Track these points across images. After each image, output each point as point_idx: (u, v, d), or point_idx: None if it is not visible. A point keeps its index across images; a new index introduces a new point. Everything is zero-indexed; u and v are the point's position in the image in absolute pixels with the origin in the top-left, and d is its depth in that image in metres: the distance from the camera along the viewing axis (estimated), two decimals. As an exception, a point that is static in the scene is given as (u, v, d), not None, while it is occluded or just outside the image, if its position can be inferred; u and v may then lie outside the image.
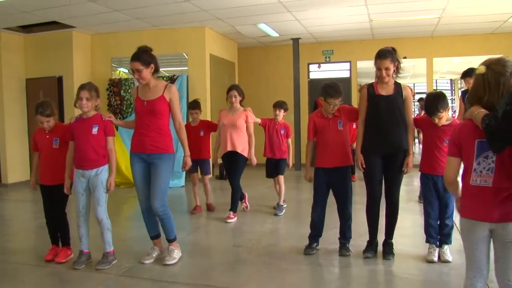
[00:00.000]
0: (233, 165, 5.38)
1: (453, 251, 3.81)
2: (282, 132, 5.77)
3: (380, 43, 9.69)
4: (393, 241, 3.95)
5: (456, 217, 3.56)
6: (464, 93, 5.84)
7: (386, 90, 3.77)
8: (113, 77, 8.98)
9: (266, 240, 4.61)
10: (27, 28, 8.24)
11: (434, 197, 3.75)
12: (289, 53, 10.14)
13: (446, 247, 3.75)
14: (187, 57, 8.72)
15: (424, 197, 3.84)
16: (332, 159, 3.93)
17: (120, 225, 4.88)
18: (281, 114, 5.78)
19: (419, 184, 4.15)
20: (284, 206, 5.86)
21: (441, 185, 3.66)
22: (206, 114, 8.08)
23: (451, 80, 17.34)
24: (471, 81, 4.30)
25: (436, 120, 3.62)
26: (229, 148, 5.30)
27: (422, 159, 3.82)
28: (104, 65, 9.05)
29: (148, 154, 3.72)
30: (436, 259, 3.71)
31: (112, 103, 8.79)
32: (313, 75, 10.81)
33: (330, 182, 3.99)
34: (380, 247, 3.94)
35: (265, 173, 6.02)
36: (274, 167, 5.85)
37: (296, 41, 10.01)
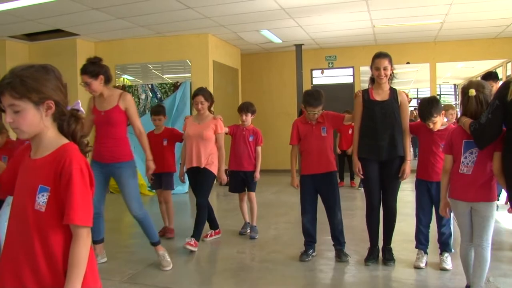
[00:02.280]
0: (198, 183, 4.45)
1: (457, 260, 3.79)
2: (251, 139, 4.90)
3: (383, 48, 9.66)
4: (397, 246, 3.94)
5: (454, 225, 3.56)
6: None
7: (381, 96, 3.75)
8: (117, 84, 9.02)
9: (269, 247, 4.59)
10: (31, 36, 8.31)
11: (427, 204, 3.70)
12: (292, 59, 10.17)
13: (446, 255, 3.68)
14: (190, 63, 8.76)
15: (418, 203, 3.77)
16: (316, 165, 3.92)
17: (122, 232, 4.89)
18: (248, 118, 4.93)
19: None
20: (256, 227, 4.98)
21: (435, 192, 3.60)
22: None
23: (454, 85, 17.33)
24: (495, 84, 4.66)
25: (431, 125, 3.56)
26: (194, 163, 4.41)
27: (418, 165, 3.76)
28: (108, 72, 9.08)
29: (107, 164, 3.72)
30: (423, 265, 3.68)
31: (116, 110, 8.82)
32: (316, 81, 10.82)
33: (317, 188, 3.97)
34: (381, 253, 3.91)
35: (228, 187, 5.05)
36: (241, 182, 4.91)
37: (299, 47, 10.03)
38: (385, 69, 3.68)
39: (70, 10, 6.56)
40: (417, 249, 3.78)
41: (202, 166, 4.40)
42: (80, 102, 1.64)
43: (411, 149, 4.05)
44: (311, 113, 3.87)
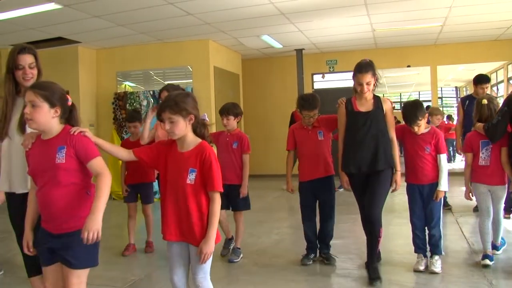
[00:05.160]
0: None
1: (460, 263, 3.78)
2: (234, 146, 4.17)
3: (383, 52, 9.79)
4: (400, 250, 3.93)
5: (445, 227, 3.48)
6: (464, 100, 5.85)
7: (365, 106, 3.58)
8: (119, 91, 9.06)
9: (272, 251, 4.59)
10: (33, 44, 8.33)
11: (419, 208, 3.69)
12: (293, 64, 10.18)
13: (436, 257, 3.64)
14: (191, 69, 8.79)
15: (410, 208, 3.74)
16: (314, 170, 3.89)
17: (125, 238, 4.88)
18: (231, 122, 4.22)
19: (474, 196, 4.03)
20: (240, 250, 4.34)
21: (426, 194, 3.64)
22: (211, 127, 8.08)
23: (456, 87, 17.33)
24: (485, 86, 5.46)
25: (416, 129, 3.57)
26: None
27: (406, 170, 3.75)
28: (110, 79, 9.13)
29: None
30: (422, 268, 3.66)
31: (117, 117, 8.85)
32: (317, 86, 10.84)
33: (316, 193, 3.97)
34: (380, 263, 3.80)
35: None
36: (224, 197, 3.91)
37: (299, 52, 10.05)
38: (368, 83, 3.50)
39: (71, 18, 6.60)
40: (416, 253, 3.76)
41: None
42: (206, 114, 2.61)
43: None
44: (306, 117, 3.85)
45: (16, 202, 2.73)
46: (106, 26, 7.22)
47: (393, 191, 3.61)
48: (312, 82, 10.83)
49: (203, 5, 6.41)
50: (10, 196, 2.85)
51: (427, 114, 3.63)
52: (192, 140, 2.36)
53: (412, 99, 4.25)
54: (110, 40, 8.25)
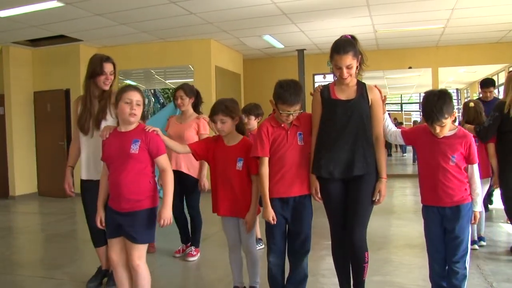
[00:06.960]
0: (185, 192, 4.24)
1: None
2: None
3: (385, 53, 9.79)
4: (399, 251, 3.91)
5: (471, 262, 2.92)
6: None
7: (346, 93, 2.82)
8: (120, 90, 9.04)
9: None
10: (35, 42, 8.36)
11: (441, 237, 2.78)
12: (295, 64, 10.18)
13: None
14: (193, 69, 8.79)
15: (428, 237, 2.84)
16: (288, 186, 2.86)
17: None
18: (251, 122, 4.32)
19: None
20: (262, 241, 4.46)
21: (449, 219, 2.72)
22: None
23: (457, 89, 17.33)
24: (493, 89, 5.68)
25: (438, 130, 2.65)
26: (173, 167, 3.71)
27: (422, 188, 2.85)
28: (111, 77, 9.11)
29: None
30: None
31: (118, 115, 8.84)
32: (318, 86, 10.82)
33: (286, 216, 2.92)
34: None
35: None
36: None
37: (301, 52, 10.06)
38: (348, 67, 2.73)
39: (73, 16, 6.60)
40: None
41: (182, 170, 4.08)
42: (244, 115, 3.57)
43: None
44: (284, 113, 2.85)
45: (93, 188, 3.06)
46: (108, 24, 7.22)
47: (376, 203, 2.83)
48: (313, 82, 10.83)
49: (205, 4, 6.41)
50: (86, 182, 3.33)
51: (455, 112, 2.72)
52: (236, 136, 2.99)
53: (438, 89, 3.05)
54: (111, 38, 8.25)
